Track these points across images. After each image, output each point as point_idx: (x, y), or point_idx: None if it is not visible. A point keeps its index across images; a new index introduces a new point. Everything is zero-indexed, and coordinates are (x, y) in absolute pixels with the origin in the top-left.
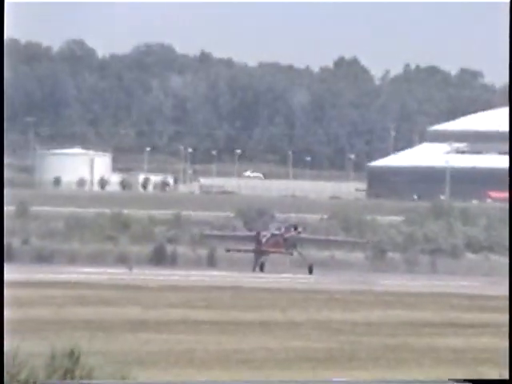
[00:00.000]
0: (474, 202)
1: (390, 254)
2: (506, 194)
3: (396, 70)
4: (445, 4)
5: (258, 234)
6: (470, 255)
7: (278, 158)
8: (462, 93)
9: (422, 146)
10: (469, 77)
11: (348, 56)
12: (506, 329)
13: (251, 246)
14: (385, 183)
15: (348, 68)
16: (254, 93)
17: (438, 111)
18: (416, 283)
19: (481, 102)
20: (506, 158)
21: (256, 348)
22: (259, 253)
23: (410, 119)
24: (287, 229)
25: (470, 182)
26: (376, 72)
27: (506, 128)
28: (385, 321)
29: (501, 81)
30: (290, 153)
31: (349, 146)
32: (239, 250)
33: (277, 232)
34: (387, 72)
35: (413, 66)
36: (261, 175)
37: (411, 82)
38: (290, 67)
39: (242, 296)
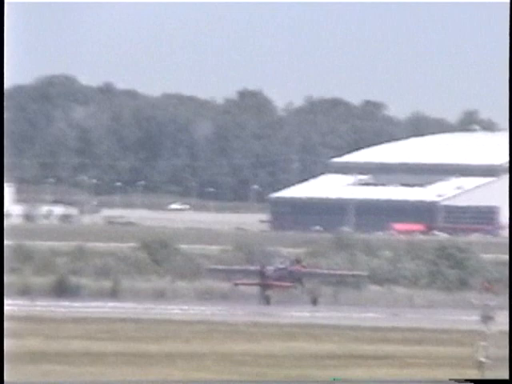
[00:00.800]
0: (378, 233)
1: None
2: (410, 226)
3: (299, 101)
4: (349, 35)
5: (263, 267)
6: (373, 287)
7: (182, 189)
8: (365, 124)
9: (326, 177)
10: (372, 108)
11: (251, 87)
12: (408, 360)
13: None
14: (288, 214)
15: (252, 99)
16: (157, 124)
17: (342, 143)
18: (319, 315)
19: (384, 133)
20: (410, 189)
21: (159, 380)
22: (265, 286)
23: (313, 151)
24: (291, 262)
25: (374, 213)
26: (279, 103)
27: (410, 160)
28: (288, 353)
29: (404, 113)
30: (193, 184)
31: (252, 177)
32: (247, 284)
33: (282, 266)
34: (290, 103)
35: (316, 98)
36: (187, 207)
37: (315, 113)
38: (193, 98)
39: (145, 327)
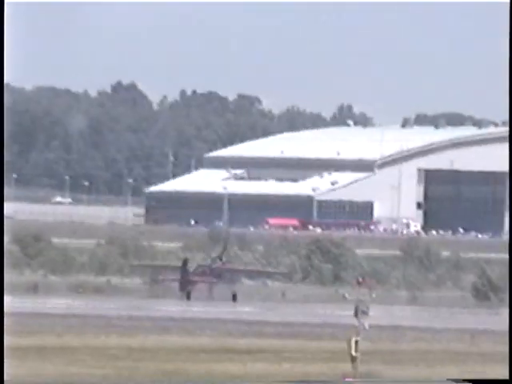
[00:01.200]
0: (252, 228)
1: None
2: (285, 221)
3: (174, 95)
4: (222, 30)
5: (185, 264)
6: (247, 281)
7: (55, 182)
8: (240, 119)
9: (200, 171)
10: (247, 103)
11: (126, 81)
12: (282, 354)
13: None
14: (163, 209)
15: (126, 93)
16: (31, 117)
17: (217, 137)
18: (193, 309)
19: (259, 128)
20: (285, 184)
21: (33, 374)
22: (186, 282)
23: (188, 145)
24: (213, 260)
25: (249, 208)
26: (154, 97)
27: (285, 154)
28: (162, 346)
29: (279, 107)
30: (66, 177)
31: (127, 171)
32: (171, 280)
33: (203, 263)
34: (165, 97)
35: (190, 92)
36: (70, 200)
37: (189, 107)
38: (68, 91)
39: (17, 321)
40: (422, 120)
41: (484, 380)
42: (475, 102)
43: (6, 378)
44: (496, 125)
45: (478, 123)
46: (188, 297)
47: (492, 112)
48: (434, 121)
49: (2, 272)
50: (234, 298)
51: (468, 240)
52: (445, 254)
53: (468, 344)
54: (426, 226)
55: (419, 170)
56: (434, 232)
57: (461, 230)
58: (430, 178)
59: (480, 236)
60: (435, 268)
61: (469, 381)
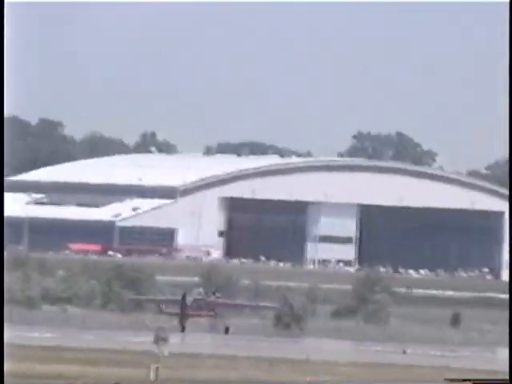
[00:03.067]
0: (53, 253)
1: None
2: (86, 246)
3: None
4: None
5: (184, 298)
6: (46, 306)
7: None
8: (41, 143)
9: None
10: (49, 127)
11: None
12: (82, 380)
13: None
14: None
15: None
16: None
17: (18, 161)
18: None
19: (61, 152)
20: (86, 209)
21: None
22: (185, 316)
23: None
24: (207, 294)
25: (49, 233)
26: None
27: (86, 180)
28: None
29: (81, 132)
30: None
31: None
32: (168, 313)
33: (199, 297)
34: None
35: None
36: None
37: None
38: None
39: None
40: (224, 148)
41: (484, 380)
42: (278, 132)
43: (5, 378)
44: (299, 155)
45: (280, 152)
46: (183, 330)
47: (295, 142)
48: (237, 149)
49: (2, 273)
50: (227, 330)
51: (268, 268)
52: (245, 281)
53: (266, 372)
54: (227, 254)
55: (221, 198)
56: (235, 260)
57: (262, 258)
58: (232, 206)
59: (281, 264)
60: (235, 295)
61: (468, 381)
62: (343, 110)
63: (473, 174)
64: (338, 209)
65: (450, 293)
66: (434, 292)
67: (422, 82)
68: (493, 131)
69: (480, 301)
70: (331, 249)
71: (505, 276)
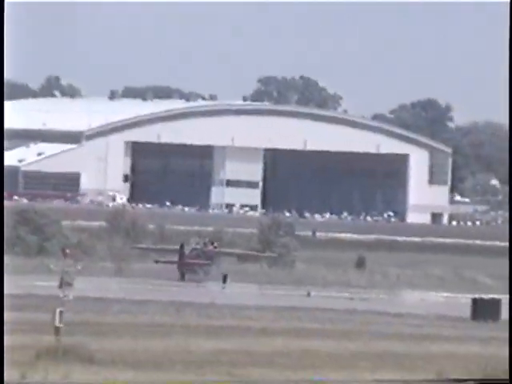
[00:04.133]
0: None
1: None
2: None
3: None
4: None
5: (182, 247)
6: None
7: None
8: None
9: None
10: None
11: None
12: None
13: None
14: None
15: None
16: None
17: None
18: None
19: None
20: None
21: None
22: (183, 265)
23: None
24: (205, 244)
25: None
26: None
27: None
28: None
29: None
30: None
31: None
32: (167, 262)
33: (197, 246)
34: None
35: None
36: None
37: None
38: None
39: None
40: (129, 92)
41: (484, 380)
42: (183, 76)
43: (6, 378)
44: (204, 98)
45: (185, 96)
46: (183, 278)
47: (200, 86)
48: (142, 93)
49: (2, 270)
50: (225, 279)
51: (174, 213)
52: (151, 226)
53: (173, 317)
54: (132, 199)
55: (126, 142)
56: (140, 205)
57: (168, 203)
58: (137, 150)
59: (187, 209)
60: (141, 240)
61: (469, 381)
62: (248, 53)
63: (377, 117)
64: (243, 153)
65: (354, 236)
66: (339, 235)
67: (326, 25)
68: (397, 75)
69: (385, 244)
70: (237, 193)
71: (409, 219)
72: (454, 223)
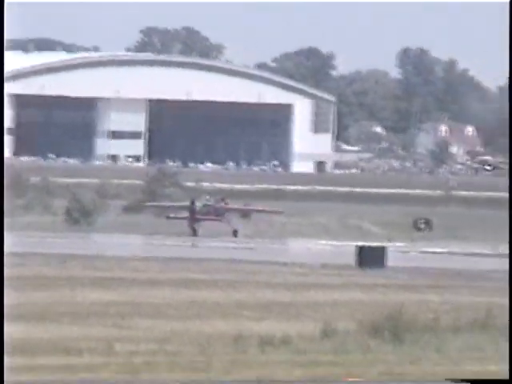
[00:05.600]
0: None
1: None
2: None
3: None
4: None
5: (193, 203)
6: None
7: None
8: None
9: None
10: None
11: None
12: None
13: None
14: None
15: None
16: None
17: None
18: None
19: None
20: None
21: None
22: (194, 220)
23: None
24: (216, 200)
25: None
26: None
27: None
28: None
29: None
30: None
31: None
32: (177, 218)
33: (208, 203)
34: None
35: None
36: None
37: None
38: None
39: None
40: (10, 44)
41: (484, 380)
42: (65, 28)
43: (6, 378)
44: (86, 49)
45: (68, 48)
46: (195, 233)
47: (81, 38)
48: (23, 45)
49: (2, 269)
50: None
51: (58, 165)
52: (34, 179)
53: (58, 268)
54: (15, 152)
55: (9, 94)
56: (23, 158)
57: (51, 155)
58: (20, 103)
59: (71, 161)
60: (25, 193)
61: (469, 381)
62: (129, 4)
63: (260, 66)
64: (127, 104)
65: (239, 186)
66: (224, 186)
67: None
68: (280, 24)
69: (270, 193)
70: (121, 144)
71: (294, 168)
72: (338, 171)
